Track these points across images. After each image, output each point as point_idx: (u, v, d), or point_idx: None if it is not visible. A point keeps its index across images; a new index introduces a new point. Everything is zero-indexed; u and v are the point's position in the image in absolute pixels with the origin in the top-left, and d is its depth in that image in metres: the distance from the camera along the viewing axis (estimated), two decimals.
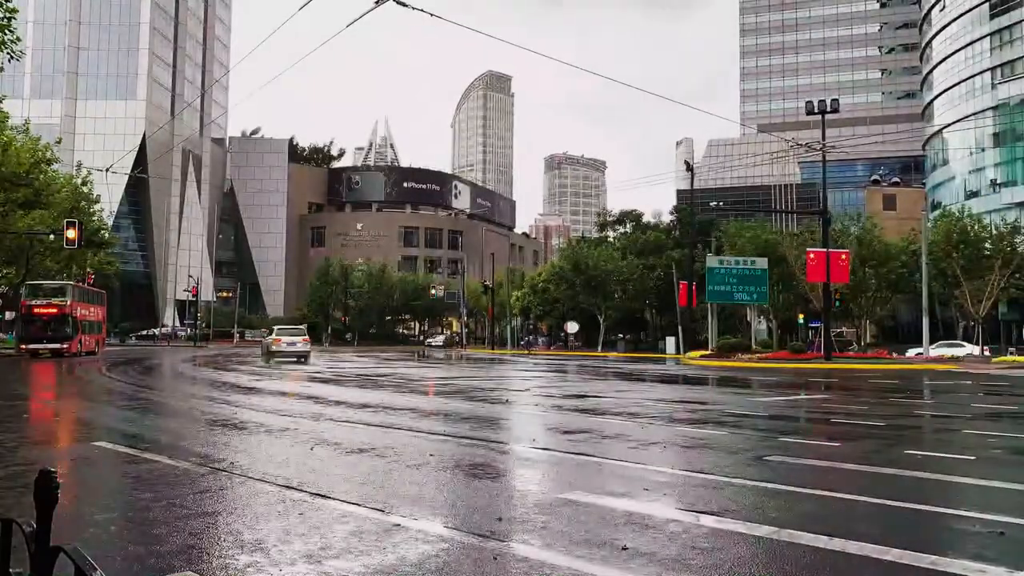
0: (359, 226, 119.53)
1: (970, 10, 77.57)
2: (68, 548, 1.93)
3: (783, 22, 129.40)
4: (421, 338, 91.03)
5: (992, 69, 74.43)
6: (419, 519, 6.09)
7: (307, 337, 40.64)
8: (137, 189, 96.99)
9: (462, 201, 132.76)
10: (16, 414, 14.70)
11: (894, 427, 12.90)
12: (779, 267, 46.91)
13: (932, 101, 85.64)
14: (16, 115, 48.64)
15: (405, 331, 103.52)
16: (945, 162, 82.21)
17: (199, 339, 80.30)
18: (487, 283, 78.48)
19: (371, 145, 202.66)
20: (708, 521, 6.08)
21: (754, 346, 45.32)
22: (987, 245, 46.43)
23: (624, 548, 5.33)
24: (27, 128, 42.86)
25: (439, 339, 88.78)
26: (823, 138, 39.41)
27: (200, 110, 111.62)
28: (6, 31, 22.09)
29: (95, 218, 53.59)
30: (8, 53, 22.45)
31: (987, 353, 42.89)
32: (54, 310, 42.90)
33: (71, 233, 32.63)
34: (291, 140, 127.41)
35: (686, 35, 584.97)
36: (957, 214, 49.91)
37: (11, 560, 2.17)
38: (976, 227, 47.51)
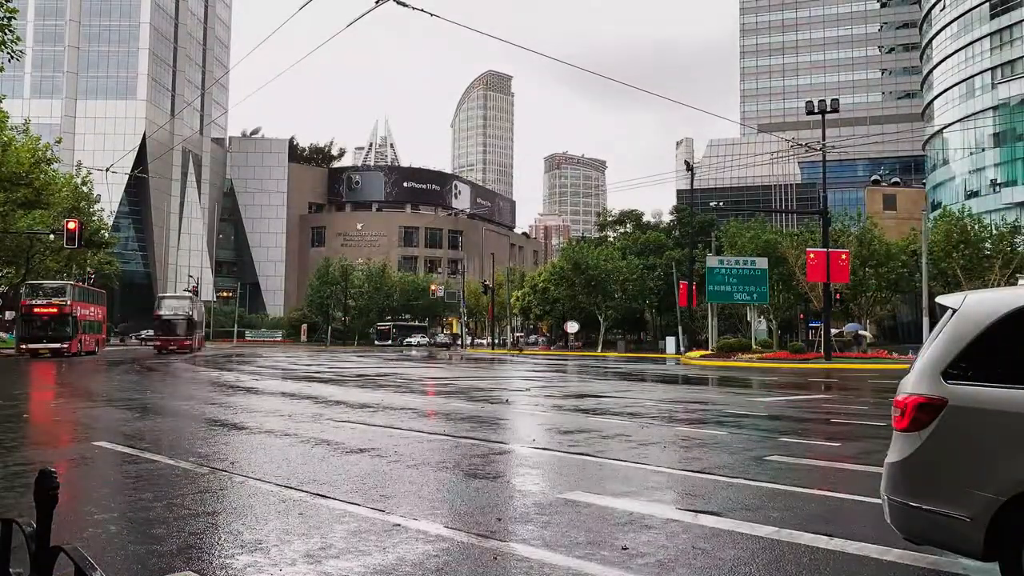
0: (359, 226, 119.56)
1: (970, 10, 77.58)
2: (68, 548, 1.93)
3: (783, 22, 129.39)
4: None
5: (992, 69, 74.43)
6: (419, 519, 6.10)
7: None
8: (137, 189, 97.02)
9: (462, 201, 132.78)
10: (16, 414, 14.70)
11: None
12: (779, 267, 46.91)
13: (932, 101, 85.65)
14: (16, 115, 48.62)
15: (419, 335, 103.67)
16: (945, 162, 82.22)
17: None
18: (487, 283, 78.52)
19: (371, 145, 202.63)
20: (708, 521, 6.08)
21: (754, 346, 45.32)
22: (987, 245, 46.46)
23: (624, 548, 5.33)
24: (27, 128, 42.85)
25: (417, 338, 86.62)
26: (823, 138, 39.40)
27: (200, 110, 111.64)
28: (6, 31, 22.10)
29: (95, 218, 53.61)
30: (8, 53, 22.46)
31: None
32: (54, 310, 42.93)
33: (71, 231, 32.60)
34: (291, 140, 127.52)
35: (687, 33, 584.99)
36: (957, 214, 49.92)
37: (11, 560, 2.17)
38: (976, 227, 47.53)
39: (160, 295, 67.61)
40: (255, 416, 13.86)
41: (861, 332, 48.91)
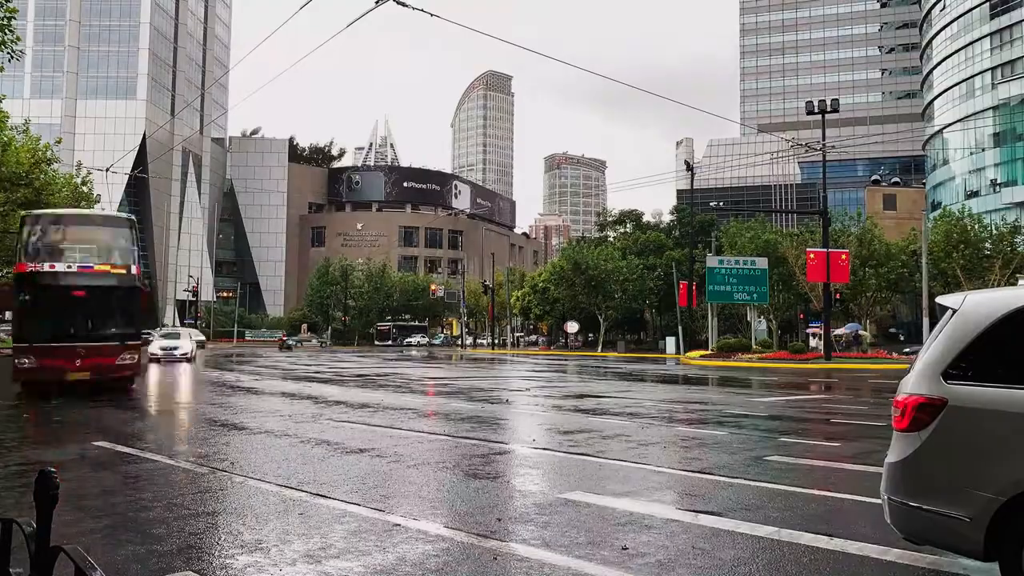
0: (359, 226, 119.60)
1: (970, 10, 77.57)
2: (68, 548, 1.93)
3: (783, 22, 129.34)
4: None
5: (992, 69, 74.42)
6: (419, 519, 6.10)
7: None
8: (137, 189, 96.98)
9: (462, 201, 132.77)
10: (16, 414, 14.71)
11: None
12: (779, 267, 46.90)
13: (932, 101, 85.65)
14: (16, 115, 48.55)
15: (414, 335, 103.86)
16: (945, 162, 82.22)
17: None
18: (487, 283, 78.52)
19: (371, 145, 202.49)
20: (708, 521, 6.08)
21: (754, 346, 45.31)
22: (987, 245, 46.47)
23: (624, 548, 5.33)
24: (27, 128, 42.81)
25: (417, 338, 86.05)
26: (823, 138, 39.38)
27: (200, 110, 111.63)
28: (6, 31, 22.08)
29: None
30: (8, 53, 22.45)
31: None
32: None
33: None
34: (291, 140, 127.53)
35: (687, 34, 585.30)
36: (957, 214, 49.93)
37: (11, 560, 2.17)
38: (976, 227, 47.54)
39: (38, 212, 22.05)
40: (255, 416, 13.86)
41: (861, 332, 48.96)
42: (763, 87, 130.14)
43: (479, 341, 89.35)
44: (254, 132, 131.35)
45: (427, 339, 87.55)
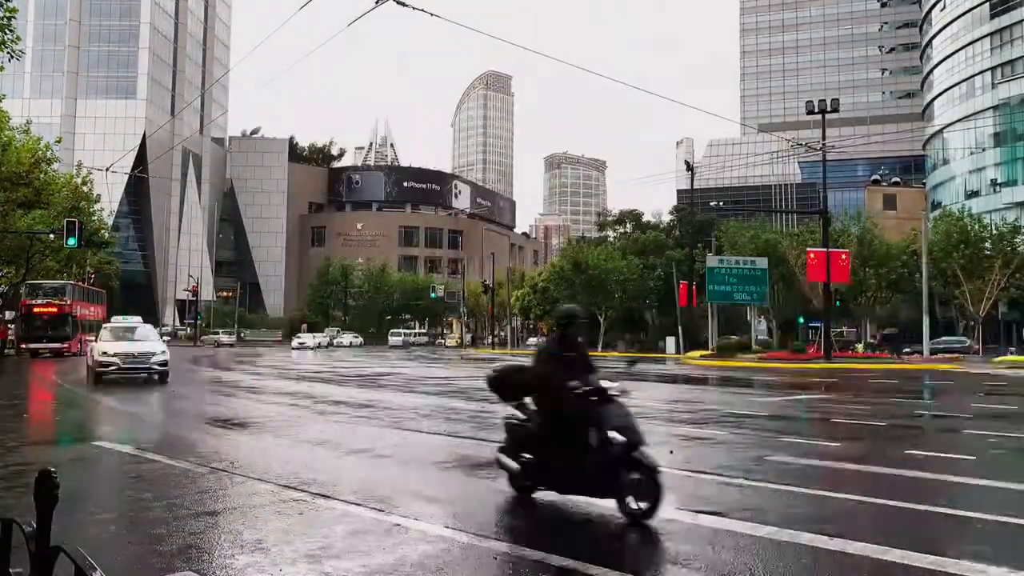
0: (359, 226, 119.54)
1: (970, 10, 77.58)
2: (68, 548, 1.93)
3: (783, 22, 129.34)
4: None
5: (992, 69, 74.44)
6: (420, 519, 6.09)
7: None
8: (137, 189, 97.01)
9: (462, 201, 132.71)
10: (16, 414, 14.70)
11: (895, 427, 12.91)
12: (779, 267, 46.91)
13: (932, 101, 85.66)
14: (16, 115, 48.57)
15: (405, 331, 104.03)
16: (945, 162, 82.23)
17: (198, 338, 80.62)
18: (487, 283, 78.49)
19: (371, 145, 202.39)
20: (708, 521, 6.07)
21: (754, 346, 45.29)
22: (987, 245, 46.48)
23: (624, 547, 5.32)
24: (27, 128, 42.83)
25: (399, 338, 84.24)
26: (823, 138, 39.36)
27: (200, 110, 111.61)
28: (6, 31, 22.08)
29: (95, 218, 53.58)
30: (8, 53, 22.45)
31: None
32: (54, 310, 42.97)
33: (71, 233, 32.63)
34: (291, 140, 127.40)
35: (687, 34, 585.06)
36: (957, 214, 49.93)
37: (11, 560, 2.16)
38: (976, 227, 47.54)
39: None
40: (255, 416, 13.85)
41: (869, 340, 49.09)
42: (763, 87, 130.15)
43: (484, 341, 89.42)
44: (254, 132, 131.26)
45: (409, 337, 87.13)
